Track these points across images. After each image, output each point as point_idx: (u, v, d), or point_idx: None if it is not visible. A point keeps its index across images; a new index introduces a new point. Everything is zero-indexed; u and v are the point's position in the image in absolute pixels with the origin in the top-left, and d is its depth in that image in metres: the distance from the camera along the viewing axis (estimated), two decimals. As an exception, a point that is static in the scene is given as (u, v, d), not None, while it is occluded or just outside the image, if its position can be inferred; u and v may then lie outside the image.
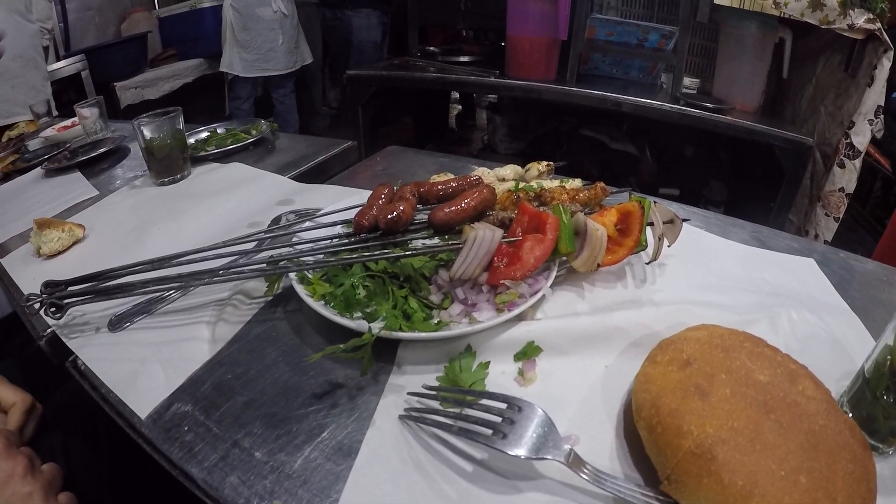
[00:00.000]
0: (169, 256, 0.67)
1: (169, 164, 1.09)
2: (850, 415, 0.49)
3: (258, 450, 0.49)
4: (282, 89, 3.17)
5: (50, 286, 0.64)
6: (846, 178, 1.49)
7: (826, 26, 1.45)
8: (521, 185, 0.81)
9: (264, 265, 0.65)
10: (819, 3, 1.44)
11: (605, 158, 2.16)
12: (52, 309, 0.63)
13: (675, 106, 1.69)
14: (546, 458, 0.44)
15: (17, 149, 1.42)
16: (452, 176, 0.85)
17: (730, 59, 1.76)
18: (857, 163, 1.46)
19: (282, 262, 0.65)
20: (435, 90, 2.57)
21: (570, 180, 0.86)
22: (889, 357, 0.46)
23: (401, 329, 0.57)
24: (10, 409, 0.59)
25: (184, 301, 0.70)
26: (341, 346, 0.53)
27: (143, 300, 0.69)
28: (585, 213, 0.68)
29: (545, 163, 0.90)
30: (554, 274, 0.65)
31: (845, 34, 1.43)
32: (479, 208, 0.68)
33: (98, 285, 0.65)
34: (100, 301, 0.66)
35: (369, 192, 0.74)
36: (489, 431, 0.46)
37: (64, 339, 0.64)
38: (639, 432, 0.47)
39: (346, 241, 0.68)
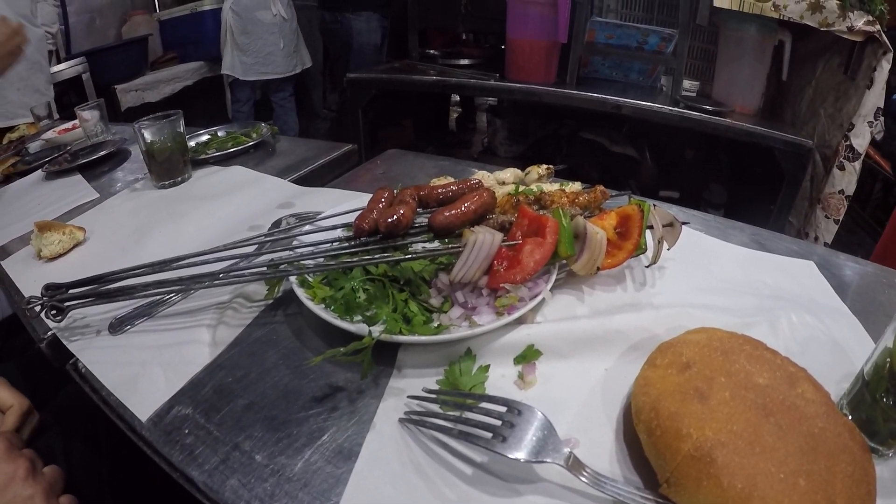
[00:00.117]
0: (169, 259, 0.67)
1: (169, 167, 1.10)
2: (850, 417, 0.49)
3: (259, 453, 0.49)
4: (281, 93, 3.17)
5: (50, 289, 0.64)
6: (846, 180, 1.49)
7: (825, 29, 1.45)
8: (521, 188, 0.81)
9: (265, 268, 0.65)
10: (818, 6, 1.45)
11: (605, 161, 2.16)
12: (53, 312, 0.63)
13: (675, 108, 1.69)
14: (546, 462, 0.44)
15: (18, 151, 1.43)
16: (452, 179, 0.85)
17: (729, 62, 1.76)
18: (857, 165, 1.47)
19: (282, 266, 0.65)
20: (435, 93, 2.57)
21: (570, 183, 0.86)
22: (888, 360, 0.46)
23: (401, 332, 0.57)
24: (6, 412, 0.59)
25: (184, 304, 0.70)
26: (341, 349, 0.53)
27: (144, 303, 0.69)
28: (585, 217, 0.68)
29: (545, 166, 0.90)
30: (554, 277, 0.65)
31: (845, 36, 1.44)
32: (478, 212, 0.68)
33: (99, 288, 0.65)
34: (100, 304, 0.66)
35: (369, 196, 0.74)
36: (489, 435, 0.47)
37: (64, 342, 0.64)
38: (638, 435, 0.47)
39: (347, 244, 0.68)
